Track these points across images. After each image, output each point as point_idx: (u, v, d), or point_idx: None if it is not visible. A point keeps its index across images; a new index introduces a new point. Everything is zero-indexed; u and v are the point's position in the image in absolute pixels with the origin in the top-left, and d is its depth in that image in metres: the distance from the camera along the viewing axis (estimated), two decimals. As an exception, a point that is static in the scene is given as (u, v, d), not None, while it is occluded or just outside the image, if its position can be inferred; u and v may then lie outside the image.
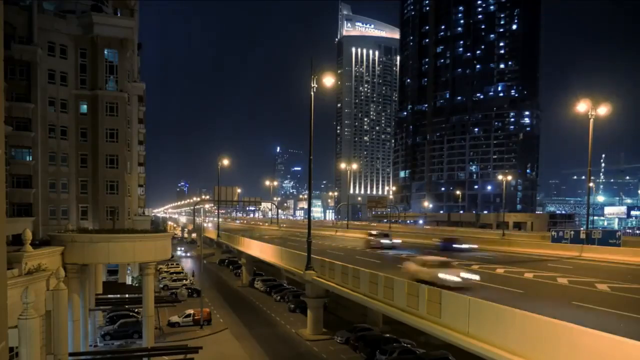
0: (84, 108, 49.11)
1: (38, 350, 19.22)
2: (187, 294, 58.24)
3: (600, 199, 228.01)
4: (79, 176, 48.94)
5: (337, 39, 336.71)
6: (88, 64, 49.02)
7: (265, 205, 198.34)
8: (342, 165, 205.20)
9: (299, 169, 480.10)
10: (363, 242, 56.47)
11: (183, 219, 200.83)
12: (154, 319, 35.74)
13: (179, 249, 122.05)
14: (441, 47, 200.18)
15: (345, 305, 47.93)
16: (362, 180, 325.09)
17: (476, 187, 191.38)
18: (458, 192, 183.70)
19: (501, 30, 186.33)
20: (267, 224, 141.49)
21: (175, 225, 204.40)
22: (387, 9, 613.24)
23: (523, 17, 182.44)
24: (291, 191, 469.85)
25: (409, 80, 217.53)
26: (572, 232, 49.95)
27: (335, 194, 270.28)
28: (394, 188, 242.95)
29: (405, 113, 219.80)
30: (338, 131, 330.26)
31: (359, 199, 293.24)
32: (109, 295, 43.51)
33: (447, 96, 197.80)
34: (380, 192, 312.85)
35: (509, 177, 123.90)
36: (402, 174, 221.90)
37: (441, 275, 24.57)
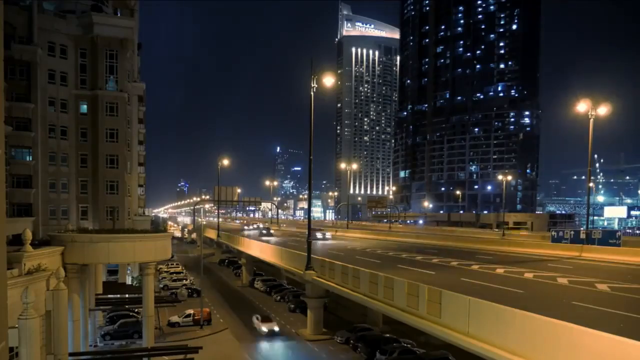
0: (84, 108, 49.06)
1: (38, 350, 19.21)
2: (187, 294, 58.23)
3: (600, 199, 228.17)
4: (79, 176, 48.89)
5: (337, 39, 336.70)
6: (88, 64, 48.98)
7: (265, 205, 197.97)
8: (342, 165, 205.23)
9: (299, 169, 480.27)
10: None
11: (183, 219, 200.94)
12: (154, 319, 35.73)
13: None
14: (441, 47, 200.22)
15: (345, 305, 47.93)
16: (362, 180, 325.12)
17: (476, 187, 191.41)
18: (458, 192, 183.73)
19: (501, 30, 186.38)
20: (267, 224, 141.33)
21: (175, 225, 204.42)
22: (387, 9, 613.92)
23: (523, 17, 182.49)
24: (291, 191, 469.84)
25: (409, 80, 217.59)
26: (572, 232, 49.97)
27: (335, 194, 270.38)
28: (394, 188, 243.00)
29: (405, 113, 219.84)
30: (338, 131, 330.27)
31: (359, 199, 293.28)
32: (109, 295, 43.51)
33: (447, 96, 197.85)
34: (380, 192, 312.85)
35: (509, 177, 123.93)
36: (402, 174, 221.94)
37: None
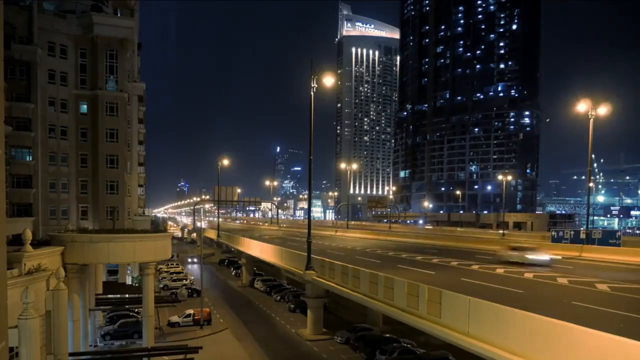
0: (84, 108, 49.09)
1: (38, 350, 19.22)
2: (187, 294, 58.25)
3: (600, 199, 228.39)
4: (79, 176, 48.92)
5: (337, 39, 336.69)
6: (88, 64, 49.00)
7: (265, 205, 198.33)
8: (342, 165, 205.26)
9: (299, 169, 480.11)
10: None
11: (183, 219, 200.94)
12: (154, 319, 35.74)
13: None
14: (441, 47, 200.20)
15: (345, 305, 47.92)
16: (362, 180, 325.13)
17: (476, 187, 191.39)
18: (458, 192, 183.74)
19: (501, 30, 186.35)
20: (267, 224, 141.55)
21: (175, 225, 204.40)
22: (387, 9, 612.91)
23: (523, 17, 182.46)
24: (291, 191, 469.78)
25: (409, 80, 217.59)
26: (572, 232, 49.93)
27: (335, 194, 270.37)
28: (394, 188, 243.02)
29: (405, 113, 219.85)
30: (338, 131, 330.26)
31: (359, 199, 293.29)
32: (109, 295, 43.50)
33: (447, 96, 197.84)
34: (380, 192, 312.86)
35: (509, 177, 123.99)
36: (402, 174, 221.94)
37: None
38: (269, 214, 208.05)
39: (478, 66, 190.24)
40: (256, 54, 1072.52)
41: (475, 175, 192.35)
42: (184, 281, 65.00)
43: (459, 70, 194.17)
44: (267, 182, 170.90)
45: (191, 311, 45.48)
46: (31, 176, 45.14)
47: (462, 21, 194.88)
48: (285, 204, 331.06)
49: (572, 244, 45.99)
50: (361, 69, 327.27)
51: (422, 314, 21.87)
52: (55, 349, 21.88)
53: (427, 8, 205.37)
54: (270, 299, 59.23)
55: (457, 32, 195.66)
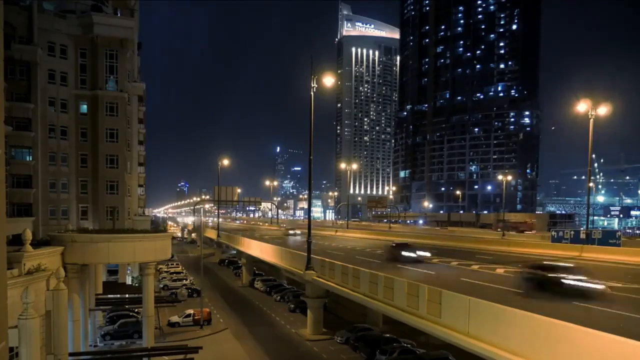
0: (84, 108, 49.10)
1: (38, 350, 19.22)
2: (187, 294, 58.23)
3: (600, 199, 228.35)
4: (79, 176, 48.93)
5: (337, 39, 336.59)
6: (88, 64, 49.01)
7: (265, 205, 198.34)
8: (342, 165, 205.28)
9: (299, 169, 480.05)
10: None
11: (183, 219, 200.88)
12: (154, 319, 35.70)
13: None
14: (441, 47, 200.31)
15: (345, 305, 47.87)
16: (362, 180, 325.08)
17: (476, 187, 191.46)
18: (458, 192, 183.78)
19: (501, 30, 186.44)
20: (267, 224, 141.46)
21: (175, 225, 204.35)
22: (387, 9, 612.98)
23: (523, 17, 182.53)
24: (291, 191, 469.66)
25: (409, 80, 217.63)
26: (572, 232, 50.05)
27: (335, 194, 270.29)
28: (394, 188, 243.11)
29: (405, 113, 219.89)
30: (338, 131, 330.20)
31: (359, 199, 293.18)
32: (109, 295, 43.50)
33: (447, 96, 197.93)
34: (380, 192, 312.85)
35: (509, 177, 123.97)
36: (402, 174, 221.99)
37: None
38: (269, 214, 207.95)
39: (478, 66, 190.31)
40: (256, 54, 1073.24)
41: (475, 175, 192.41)
42: (184, 281, 65.00)
43: (459, 70, 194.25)
44: (267, 182, 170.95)
45: (191, 311, 45.49)
46: (31, 176, 45.15)
47: (462, 21, 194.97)
48: (285, 204, 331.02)
49: (572, 244, 46.01)
50: (361, 69, 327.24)
51: (422, 314, 21.86)
52: (55, 349, 21.88)
53: (427, 8, 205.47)
54: (270, 299, 59.22)
55: (457, 32, 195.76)
